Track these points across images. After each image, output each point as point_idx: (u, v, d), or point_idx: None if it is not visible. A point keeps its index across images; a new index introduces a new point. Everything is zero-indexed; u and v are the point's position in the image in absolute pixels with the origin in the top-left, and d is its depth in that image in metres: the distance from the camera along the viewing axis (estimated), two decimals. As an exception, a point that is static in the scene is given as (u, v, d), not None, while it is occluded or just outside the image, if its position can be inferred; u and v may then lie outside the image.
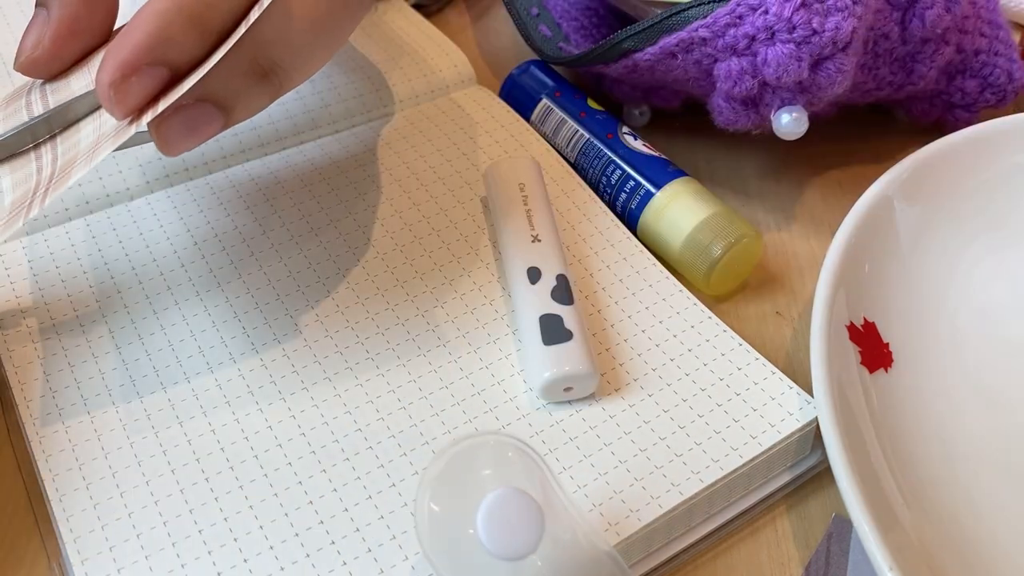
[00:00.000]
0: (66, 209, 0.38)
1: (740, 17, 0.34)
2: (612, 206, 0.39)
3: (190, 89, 0.26)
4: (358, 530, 0.28)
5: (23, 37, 0.30)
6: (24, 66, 0.30)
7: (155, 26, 0.25)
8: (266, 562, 0.27)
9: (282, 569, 0.27)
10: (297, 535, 0.28)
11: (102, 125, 0.28)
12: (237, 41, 0.26)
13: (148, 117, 0.26)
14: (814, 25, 0.34)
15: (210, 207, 0.38)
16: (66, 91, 0.30)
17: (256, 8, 0.27)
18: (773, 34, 0.34)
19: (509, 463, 0.26)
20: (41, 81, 0.31)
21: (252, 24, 0.26)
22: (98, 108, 0.30)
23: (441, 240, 0.37)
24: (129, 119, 0.26)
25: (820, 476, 0.32)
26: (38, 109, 0.30)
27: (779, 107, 0.36)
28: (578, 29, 0.45)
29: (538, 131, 0.43)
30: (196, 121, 0.27)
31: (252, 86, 0.28)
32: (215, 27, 0.26)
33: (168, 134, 0.27)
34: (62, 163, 0.29)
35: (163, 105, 0.26)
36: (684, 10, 0.35)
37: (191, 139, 0.27)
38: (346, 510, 0.29)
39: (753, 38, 0.34)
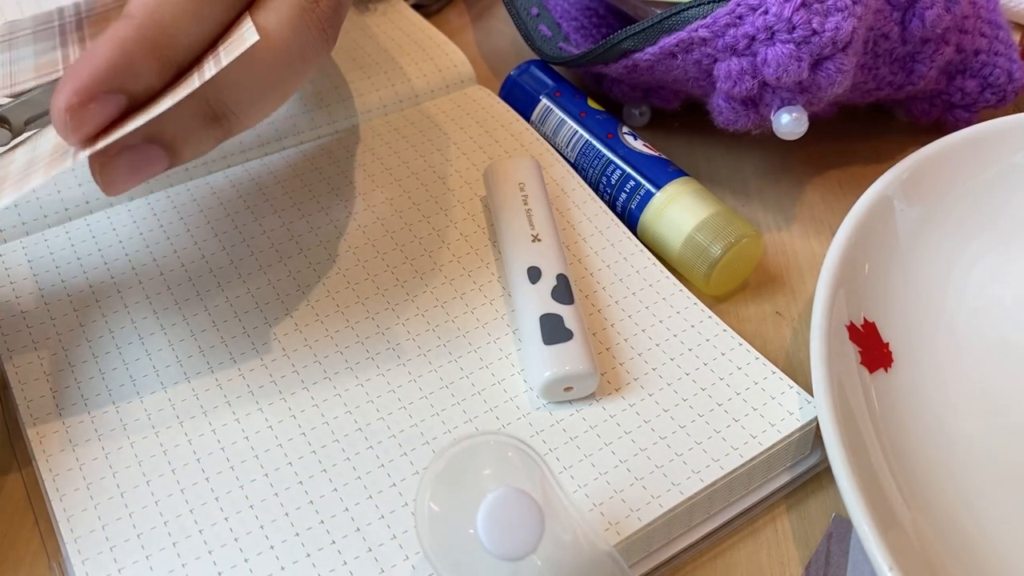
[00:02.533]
0: (66, 209, 0.38)
1: (740, 17, 0.34)
2: (612, 206, 0.39)
3: (139, 128, 0.26)
4: (358, 530, 0.28)
5: None
6: None
7: (116, 54, 0.25)
8: (266, 562, 0.27)
9: (283, 569, 0.27)
10: (297, 535, 0.28)
11: (36, 148, 0.28)
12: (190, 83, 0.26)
13: (85, 153, 0.26)
14: (814, 25, 0.34)
15: (210, 207, 0.38)
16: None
17: (224, 49, 0.26)
18: (773, 34, 0.34)
19: (509, 463, 0.26)
20: None
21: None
22: (33, 122, 0.30)
23: (441, 240, 0.37)
24: (77, 147, 0.26)
25: (820, 476, 0.32)
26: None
27: (779, 107, 0.36)
28: (578, 29, 0.46)
29: (538, 131, 0.43)
30: (142, 162, 0.27)
31: (201, 129, 0.28)
32: (176, 59, 0.26)
33: (113, 174, 0.27)
34: None
35: (103, 143, 0.25)
36: (684, 10, 0.35)
37: (134, 179, 0.27)
38: (346, 510, 0.29)
39: (753, 38, 0.34)
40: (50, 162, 0.27)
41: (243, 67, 0.27)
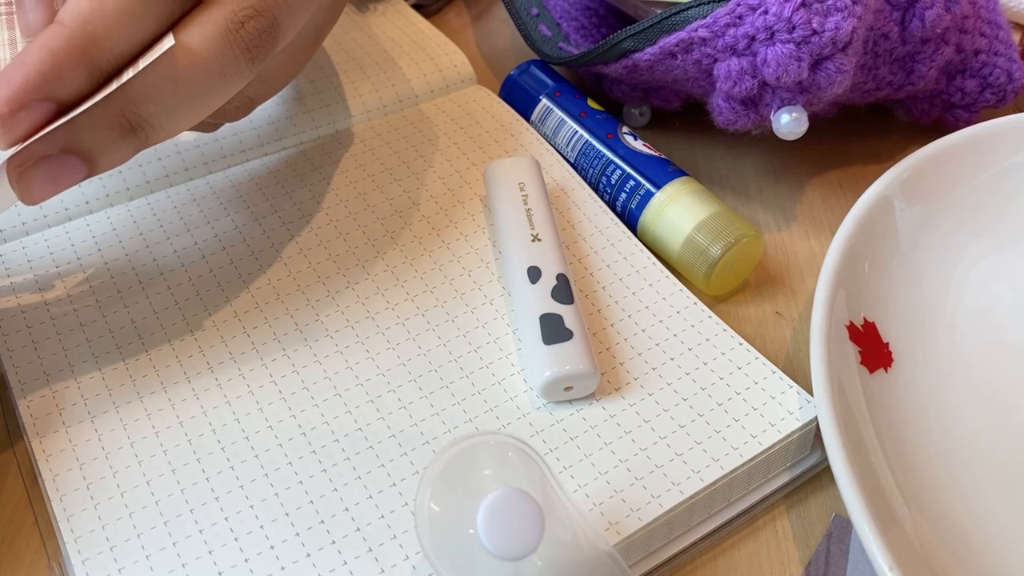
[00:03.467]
0: (66, 209, 0.38)
1: (740, 17, 0.34)
2: (612, 206, 0.39)
3: (56, 139, 0.26)
4: (359, 530, 0.28)
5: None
6: None
7: (47, 63, 0.26)
8: (267, 562, 0.27)
9: (283, 569, 0.27)
10: (298, 535, 0.28)
11: None
12: (109, 95, 0.26)
13: (5, 155, 0.26)
14: (814, 25, 0.34)
15: (210, 207, 0.38)
16: None
17: (143, 59, 0.27)
18: (773, 34, 0.34)
19: (509, 463, 0.26)
20: None
21: (127, 81, 0.27)
22: None
23: (441, 240, 0.37)
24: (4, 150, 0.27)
25: (820, 476, 0.32)
26: None
27: (779, 107, 0.36)
28: (578, 29, 0.46)
29: (538, 131, 0.43)
30: (60, 172, 0.27)
31: (118, 139, 0.28)
32: (104, 67, 0.27)
33: (31, 185, 0.27)
34: None
35: (20, 147, 0.26)
36: (684, 10, 0.35)
37: (53, 189, 0.27)
38: (346, 509, 0.29)
39: (753, 38, 0.34)
40: None
41: (161, 79, 0.27)
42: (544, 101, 0.43)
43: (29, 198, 0.27)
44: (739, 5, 0.34)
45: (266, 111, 0.42)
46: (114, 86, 0.26)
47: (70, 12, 0.26)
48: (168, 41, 0.27)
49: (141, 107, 0.28)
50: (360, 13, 0.48)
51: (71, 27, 0.26)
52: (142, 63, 0.27)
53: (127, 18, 0.27)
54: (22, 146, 0.26)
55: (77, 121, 0.27)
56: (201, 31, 0.28)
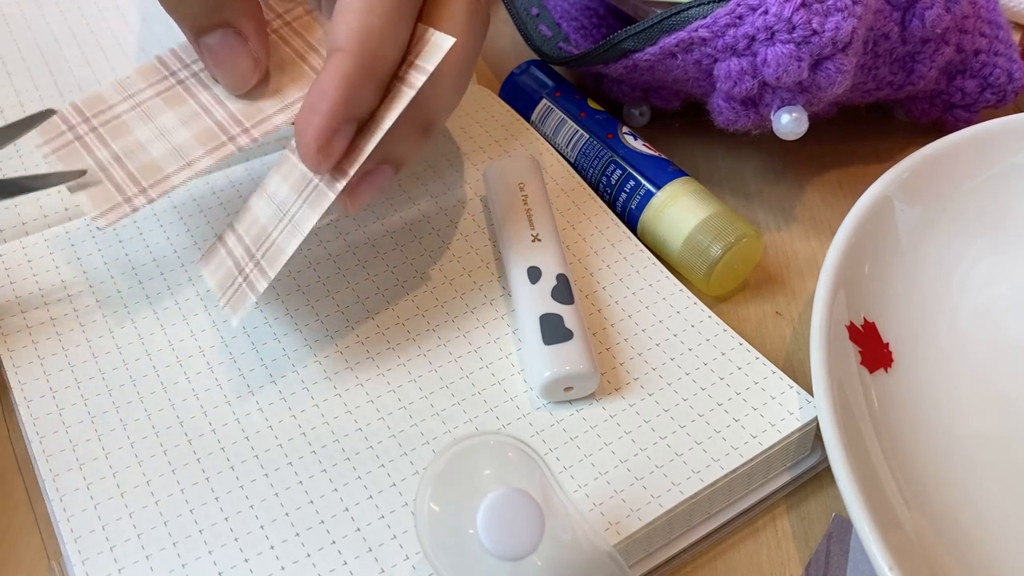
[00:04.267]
0: (66, 209, 0.38)
1: (740, 17, 0.34)
2: (612, 206, 0.39)
3: (376, 155, 0.29)
4: (359, 530, 0.28)
5: (227, 69, 0.32)
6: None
7: (345, 88, 0.28)
8: (267, 562, 0.27)
9: (283, 569, 0.27)
10: (298, 535, 0.28)
11: (275, 196, 0.31)
12: (407, 107, 0.29)
13: (342, 184, 0.29)
14: (814, 25, 0.34)
15: (210, 207, 0.38)
16: (260, 116, 0.33)
17: (423, 62, 0.29)
18: (773, 34, 0.34)
19: (509, 463, 0.26)
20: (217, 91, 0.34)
21: (419, 87, 0.29)
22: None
23: (441, 240, 0.37)
24: (324, 174, 0.30)
25: (820, 476, 0.32)
26: (242, 140, 0.33)
27: (779, 107, 0.36)
28: (578, 29, 0.46)
29: (538, 131, 0.43)
30: (379, 182, 0.30)
31: (418, 143, 0.31)
32: (385, 78, 0.29)
33: (360, 197, 0.30)
34: (250, 240, 0.31)
35: (352, 170, 0.29)
36: (684, 10, 0.35)
37: (371, 195, 0.31)
38: (346, 510, 0.29)
39: (753, 38, 0.34)
40: (312, 201, 0.30)
41: (439, 76, 0.29)
42: (544, 101, 0.43)
43: (355, 207, 0.30)
44: (739, 5, 0.34)
45: (266, 111, 0.42)
46: (410, 94, 0.28)
47: (344, 38, 0.28)
48: (446, 42, 0.28)
49: (429, 108, 0.30)
50: (360, 13, 0.48)
51: (352, 50, 0.28)
52: (428, 65, 0.28)
53: (392, 28, 0.28)
54: (352, 172, 0.29)
55: (388, 135, 0.29)
56: (453, 21, 0.29)
